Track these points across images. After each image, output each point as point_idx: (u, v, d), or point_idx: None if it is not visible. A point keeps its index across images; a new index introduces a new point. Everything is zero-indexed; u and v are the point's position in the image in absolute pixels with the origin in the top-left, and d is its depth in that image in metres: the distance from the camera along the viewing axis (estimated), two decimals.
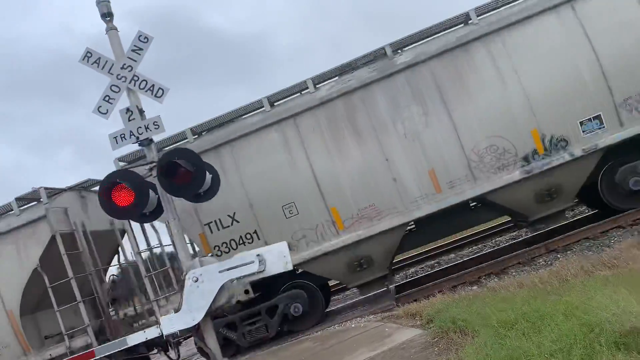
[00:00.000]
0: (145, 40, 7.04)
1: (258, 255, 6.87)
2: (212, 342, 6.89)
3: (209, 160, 8.50)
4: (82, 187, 11.45)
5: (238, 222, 9.94)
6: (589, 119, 9.53)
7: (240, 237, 9.89)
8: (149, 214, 7.20)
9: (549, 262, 9.45)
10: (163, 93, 7.03)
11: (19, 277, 9.66)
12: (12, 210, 9.90)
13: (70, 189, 10.94)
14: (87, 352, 9.26)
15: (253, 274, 6.94)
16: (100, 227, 11.32)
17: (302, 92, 10.11)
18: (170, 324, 6.68)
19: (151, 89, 7.01)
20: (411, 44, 10.27)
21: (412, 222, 10.02)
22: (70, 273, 9.35)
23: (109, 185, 6.65)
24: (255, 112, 10.06)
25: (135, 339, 7.85)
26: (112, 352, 9.11)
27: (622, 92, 9.49)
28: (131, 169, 7.18)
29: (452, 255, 14.46)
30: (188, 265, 6.86)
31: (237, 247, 9.82)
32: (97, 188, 10.33)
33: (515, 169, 9.60)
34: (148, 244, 11.42)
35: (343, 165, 9.86)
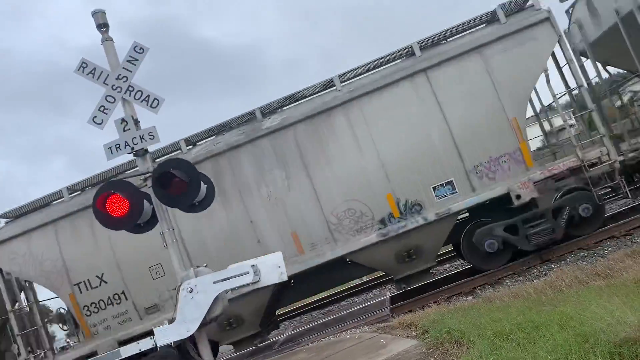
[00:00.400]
0: (141, 51, 7.05)
1: (253, 265, 6.83)
2: (206, 353, 6.83)
3: None
4: None
5: (106, 282, 10.38)
6: (442, 185, 10.08)
7: (109, 297, 10.33)
8: (143, 224, 7.17)
9: (543, 273, 9.49)
10: (158, 104, 7.03)
11: None
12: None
13: None
14: None
15: (247, 284, 6.90)
16: None
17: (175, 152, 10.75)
18: (164, 335, 6.60)
19: (146, 99, 7.01)
20: (281, 107, 10.96)
21: (291, 279, 10.29)
22: None
23: (103, 195, 6.62)
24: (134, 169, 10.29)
25: (129, 350, 7.76)
26: None
27: (473, 159, 10.00)
28: (126, 179, 7.14)
29: (447, 266, 14.48)
30: (182, 275, 6.82)
31: (105, 308, 10.33)
32: None
33: (372, 231, 10.11)
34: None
35: (210, 226, 10.22)
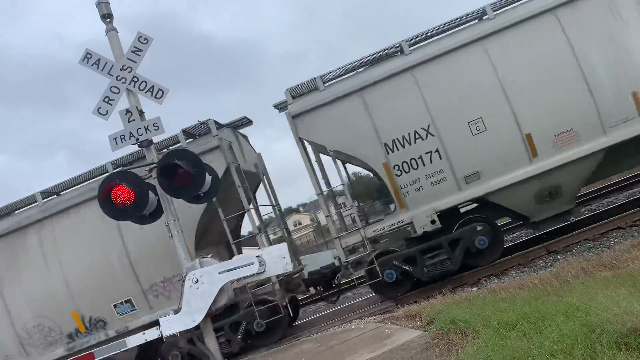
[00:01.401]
0: (145, 41, 7.03)
1: (258, 256, 6.84)
2: (212, 344, 6.85)
3: None
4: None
5: None
6: (122, 302, 10.52)
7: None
8: (148, 215, 7.19)
9: (549, 264, 9.46)
10: (163, 94, 7.02)
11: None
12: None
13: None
14: (87, 353, 9.23)
15: (252, 275, 6.91)
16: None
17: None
18: (169, 325, 6.63)
19: (151, 90, 7.00)
20: None
21: None
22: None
23: (108, 186, 6.63)
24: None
25: (134, 340, 7.80)
26: (112, 353, 9.09)
27: (148, 279, 10.45)
28: (130, 170, 7.15)
29: None
30: (188, 266, 6.83)
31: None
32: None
33: (61, 345, 10.65)
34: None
35: None
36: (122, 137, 6.90)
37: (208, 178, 7.15)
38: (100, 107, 7.01)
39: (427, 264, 9.89)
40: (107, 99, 7.00)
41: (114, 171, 8.27)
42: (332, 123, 10.26)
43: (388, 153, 10.03)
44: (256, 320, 9.96)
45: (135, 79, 6.96)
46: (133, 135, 6.88)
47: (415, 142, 9.93)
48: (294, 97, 10.54)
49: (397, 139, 9.98)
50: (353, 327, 9.03)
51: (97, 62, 7.00)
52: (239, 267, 6.75)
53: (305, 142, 10.73)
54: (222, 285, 6.69)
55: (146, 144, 7.01)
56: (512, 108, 9.68)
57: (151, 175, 6.94)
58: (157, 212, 7.17)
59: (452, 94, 9.87)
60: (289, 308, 10.27)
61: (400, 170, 9.98)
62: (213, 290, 6.63)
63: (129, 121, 6.92)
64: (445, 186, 9.88)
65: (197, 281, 6.66)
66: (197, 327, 6.74)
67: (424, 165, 9.91)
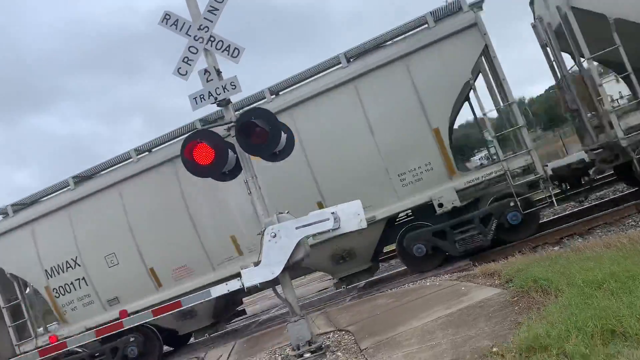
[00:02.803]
0: (221, 0, 7.10)
1: (333, 212, 6.92)
2: (291, 296, 7.11)
3: None
4: None
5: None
6: None
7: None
8: (228, 172, 7.43)
9: (639, 223, 8.93)
10: (239, 53, 7.11)
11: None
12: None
13: None
14: (174, 302, 9.84)
15: (327, 231, 7.03)
16: None
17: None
18: (250, 276, 6.93)
19: (227, 49, 7.11)
20: None
21: None
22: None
23: (191, 144, 6.89)
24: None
25: (218, 290, 8.22)
26: (196, 302, 9.64)
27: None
28: (211, 129, 7.37)
29: None
30: (266, 221, 7.05)
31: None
32: None
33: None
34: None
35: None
36: (202, 96, 7.10)
37: (283, 136, 7.26)
38: (180, 68, 7.22)
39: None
40: (186, 60, 7.19)
41: (195, 130, 8.54)
42: None
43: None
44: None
45: (212, 39, 7.09)
46: (212, 95, 7.05)
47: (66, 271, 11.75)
48: None
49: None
50: (428, 283, 9.02)
51: (176, 23, 7.18)
52: (315, 222, 6.88)
53: None
54: (298, 240, 6.86)
55: (224, 103, 7.17)
56: (137, 245, 11.30)
57: (230, 134, 7.14)
58: (236, 170, 7.39)
59: (95, 230, 11.55)
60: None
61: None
62: (290, 244, 6.82)
63: (207, 81, 7.10)
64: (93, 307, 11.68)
65: (275, 235, 6.86)
66: (276, 280, 6.99)
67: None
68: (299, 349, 6.91)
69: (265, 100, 10.77)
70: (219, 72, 7.13)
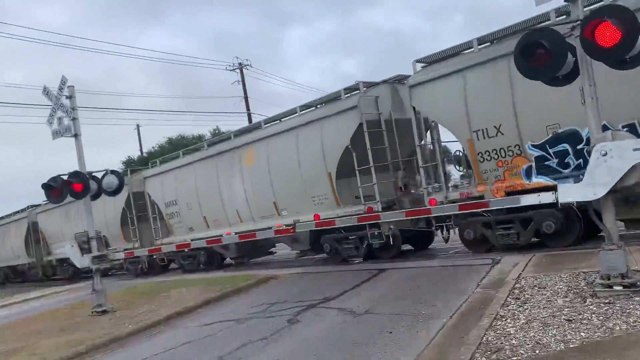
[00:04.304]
0: None
1: None
2: (610, 221, 6.45)
3: None
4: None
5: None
6: None
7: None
8: (562, 77, 6.81)
9: None
10: None
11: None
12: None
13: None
14: (482, 202, 10.05)
15: None
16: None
17: None
18: (567, 193, 6.50)
19: None
20: None
21: None
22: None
23: (526, 44, 6.48)
24: None
25: (529, 199, 8.04)
26: (503, 207, 9.65)
27: None
28: (552, 28, 6.74)
29: None
30: (598, 137, 6.36)
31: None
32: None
33: None
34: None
35: None
36: None
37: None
38: None
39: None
40: None
41: (533, 29, 7.94)
42: None
43: None
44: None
45: None
46: None
47: None
48: None
49: None
50: None
51: None
52: None
53: None
54: (635, 163, 6.03)
55: None
56: None
57: (572, 34, 6.43)
58: (572, 74, 6.71)
59: None
60: None
61: None
62: (623, 166, 6.05)
63: None
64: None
65: (605, 154, 6.17)
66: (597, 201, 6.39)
67: None
68: (608, 279, 6.36)
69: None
70: None
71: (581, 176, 6.45)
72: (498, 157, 10.51)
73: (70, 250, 12.85)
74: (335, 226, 12.83)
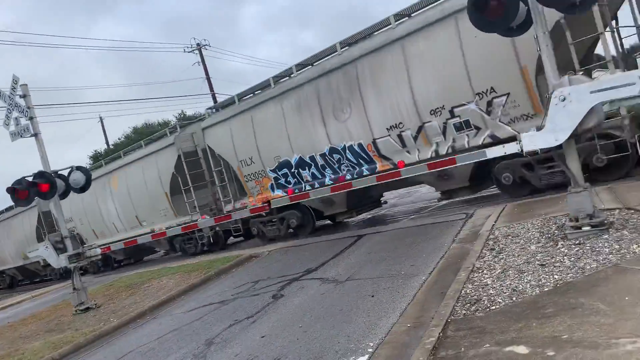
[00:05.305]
0: None
1: None
2: (574, 165, 6.60)
3: None
4: None
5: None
6: None
7: None
8: (516, 27, 6.84)
9: None
10: None
11: None
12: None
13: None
14: (449, 159, 10.16)
15: (631, 97, 6.10)
16: None
17: None
18: (531, 141, 6.60)
19: None
20: None
21: None
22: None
23: None
24: None
25: (494, 152, 8.17)
26: (471, 161, 9.75)
27: None
28: None
29: None
30: (555, 83, 6.44)
31: None
32: None
33: None
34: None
35: None
36: None
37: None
38: None
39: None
40: None
41: None
42: None
43: None
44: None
45: None
46: None
47: None
48: None
49: None
50: None
51: None
52: (616, 87, 6.00)
53: None
54: (592, 105, 6.14)
55: None
56: None
57: None
58: (526, 24, 6.75)
59: None
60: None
61: None
62: (582, 109, 6.17)
63: None
64: None
65: (564, 99, 6.27)
66: (559, 147, 6.52)
67: None
68: (577, 221, 6.54)
69: None
70: None
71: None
72: (255, 178, 14.95)
73: (44, 252, 12.63)
74: (166, 236, 18.09)
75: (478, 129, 10.26)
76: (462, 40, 10.04)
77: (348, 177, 12.76)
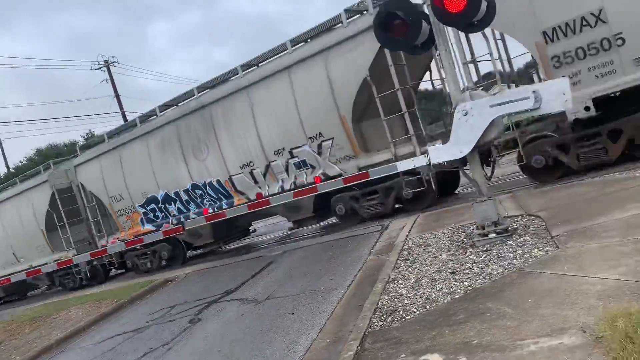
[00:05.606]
0: None
1: (534, 91, 6.34)
2: (479, 176, 6.94)
3: None
4: None
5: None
6: None
7: None
8: (420, 45, 7.14)
9: None
10: None
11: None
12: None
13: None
14: (362, 173, 10.38)
15: (526, 111, 6.53)
16: None
17: None
18: (437, 154, 6.89)
19: None
20: None
21: None
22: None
23: (385, 15, 6.69)
24: None
25: (404, 165, 8.45)
26: (383, 175, 10.02)
27: None
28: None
29: None
30: (458, 98, 6.77)
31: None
32: None
33: None
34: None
35: None
36: None
37: (484, 5, 6.62)
38: None
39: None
40: None
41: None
42: None
43: None
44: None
45: None
46: None
47: None
48: None
49: None
50: (638, 174, 8.04)
51: None
52: (513, 101, 6.40)
53: None
54: (492, 119, 6.51)
55: None
56: None
57: (426, 2, 6.75)
58: (429, 42, 7.05)
59: None
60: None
61: None
62: (483, 123, 6.51)
63: None
64: None
65: (466, 113, 6.59)
66: (464, 159, 6.84)
67: None
68: (483, 229, 6.87)
69: None
70: None
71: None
72: (126, 213, 15.35)
73: None
74: (42, 272, 17.87)
75: (313, 167, 11.80)
76: (295, 91, 11.48)
77: (210, 210, 13.59)
